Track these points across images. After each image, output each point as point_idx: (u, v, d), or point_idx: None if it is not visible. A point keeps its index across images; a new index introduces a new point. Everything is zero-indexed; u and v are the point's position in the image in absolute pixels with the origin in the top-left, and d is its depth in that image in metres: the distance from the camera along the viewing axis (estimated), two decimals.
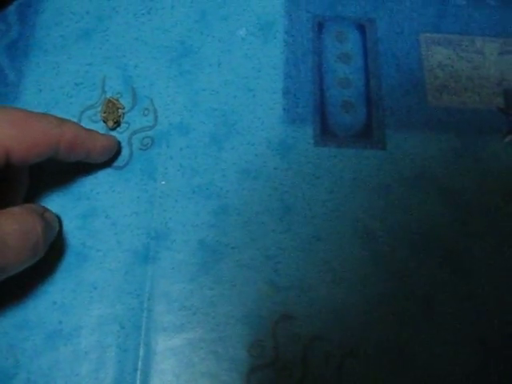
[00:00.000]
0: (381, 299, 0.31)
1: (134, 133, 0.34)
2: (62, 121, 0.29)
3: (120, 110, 0.34)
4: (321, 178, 0.33)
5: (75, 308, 0.30)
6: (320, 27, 0.37)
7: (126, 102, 0.35)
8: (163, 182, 0.33)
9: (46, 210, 0.30)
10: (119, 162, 0.33)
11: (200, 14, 0.37)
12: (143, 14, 0.37)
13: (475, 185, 0.34)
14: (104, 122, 0.33)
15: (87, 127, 0.31)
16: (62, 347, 0.29)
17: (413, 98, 0.36)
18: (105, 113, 0.33)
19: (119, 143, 0.34)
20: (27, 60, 0.36)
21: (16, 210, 0.27)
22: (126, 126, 0.34)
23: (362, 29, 0.37)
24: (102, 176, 0.33)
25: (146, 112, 0.34)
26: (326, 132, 0.34)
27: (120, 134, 0.34)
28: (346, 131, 0.34)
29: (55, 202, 0.32)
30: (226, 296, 0.31)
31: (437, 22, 0.38)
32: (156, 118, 0.34)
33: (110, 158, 0.32)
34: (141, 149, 0.34)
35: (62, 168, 0.32)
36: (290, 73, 0.36)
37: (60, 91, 0.35)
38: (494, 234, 0.33)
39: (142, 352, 0.29)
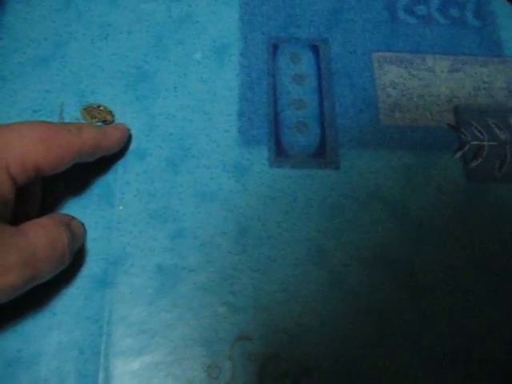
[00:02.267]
0: (335, 318, 0.32)
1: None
2: (79, 127, 0.30)
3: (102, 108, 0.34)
4: (275, 199, 0.34)
5: (35, 335, 0.31)
6: (275, 49, 0.38)
7: None
8: (120, 208, 0.33)
9: (73, 218, 0.31)
10: (76, 188, 0.34)
11: (156, 38, 0.38)
12: (100, 40, 0.38)
13: (427, 201, 0.35)
14: None
15: None
16: (21, 375, 0.30)
17: (366, 116, 0.37)
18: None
19: (128, 129, 0.35)
20: None
21: (44, 221, 0.28)
22: None
23: (315, 49, 0.38)
24: (61, 202, 0.33)
25: None
26: (280, 153, 0.35)
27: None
28: (300, 152, 0.35)
29: None
30: (183, 318, 0.31)
31: (389, 41, 0.39)
32: None
33: None
34: (98, 174, 0.34)
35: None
36: (245, 95, 0.36)
37: (18, 119, 0.35)
38: (445, 250, 0.33)
39: (101, 376, 0.30)
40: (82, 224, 0.33)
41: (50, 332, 0.31)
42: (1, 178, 0.26)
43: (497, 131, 0.37)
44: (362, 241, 0.33)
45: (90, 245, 0.33)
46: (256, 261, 0.33)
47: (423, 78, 0.38)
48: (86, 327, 0.31)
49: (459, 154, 0.36)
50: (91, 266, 0.32)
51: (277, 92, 0.37)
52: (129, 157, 0.35)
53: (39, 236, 0.27)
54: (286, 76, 0.37)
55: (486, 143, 0.37)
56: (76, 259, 0.32)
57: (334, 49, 0.38)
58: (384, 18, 0.40)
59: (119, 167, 0.34)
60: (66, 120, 0.36)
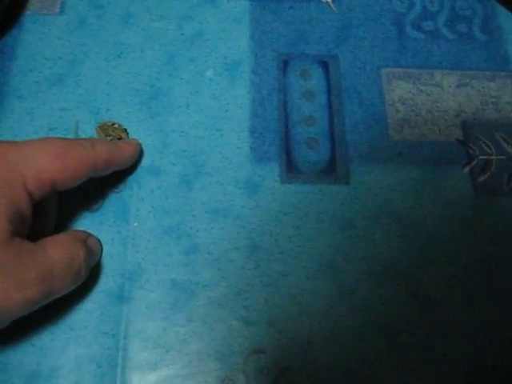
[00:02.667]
0: (346, 331, 0.32)
1: (107, 175, 0.35)
2: (93, 143, 0.31)
3: (116, 126, 0.36)
4: (287, 215, 0.35)
5: (53, 349, 0.32)
6: (285, 65, 0.39)
7: None
8: (135, 224, 0.34)
9: (89, 235, 0.32)
10: (93, 205, 0.35)
11: (168, 56, 0.39)
12: (114, 58, 0.39)
13: (436, 215, 0.35)
14: None
15: None
16: None
17: (375, 132, 0.37)
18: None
19: (140, 144, 0.36)
20: (2, 106, 0.37)
21: (61, 237, 0.29)
22: None
23: (325, 65, 0.39)
24: (78, 219, 0.34)
25: None
26: (291, 169, 0.36)
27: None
28: (310, 168, 0.36)
29: None
30: (197, 333, 0.32)
31: (397, 57, 0.40)
32: None
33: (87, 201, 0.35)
34: (113, 191, 0.35)
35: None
36: (257, 112, 0.37)
37: (34, 136, 0.36)
38: (454, 263, 0.34)
39: None
40: (99, 240, 0.33)
41: (68, 346, 0.32)
42: (19, 194, 0.27)
43: (504, 145, 0.38)
44: (372, 255, 0.34)
45: (106, 260, 0.33)
46: (268, 276, 0.33)
47: (431, 94, 0.39)
48: (103, 341, 0.32)
49: (467, 168, 0.37)
50: (107, 282, 0.33)
51: (287, 108, 0.37)
52: (143, 174, 0.36)
53: (57, 252, 0.28)
54: (296, 92, 0.38)
55: (494, 157, 0.37)
56: (92, 274, 0.33)
57: (343, 65, 0.39)
58: (392, 34, 0.40)
59: (134, 184, 0.35)
60: (82, 137, 0.36)
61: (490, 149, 0.37)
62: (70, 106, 0.37)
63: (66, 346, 0.32)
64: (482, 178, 0.36)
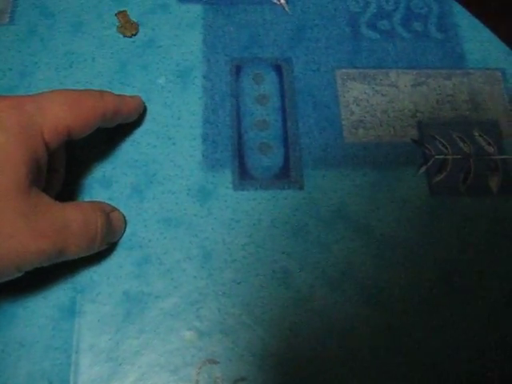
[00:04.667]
0: (302, 338, 0.32)
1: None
2: (102, 93, 0.32)
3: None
4: (240, 222, 0.34)
5: (4, 367, 0.31)
6: (238, 70, 0.38)
7: None
8: None
9: (115, 210, 0.34)
10: None
11: (120, 64, 0.38)
12: (65, 68, 0.38)
13: (391, 218, 0.35)
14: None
15: None
16: None
17: (329, 135, 0.37)
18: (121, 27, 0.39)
19: (143, 102, 0.37)
20: None
21: (84, 203, 0.32)
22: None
23: (278, 69, 0.38)
24: None
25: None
26: (244, 176, 0.35)
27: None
28: (264, 173, 0.35)
29: None
30: (150, 345, 0.32)
31: (352, 58, 0.39)
32: (78, 171, 0.35)
33: None
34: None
35: None
36: (209, 118, 0.37)
37: None
38: (411, 266, 0.34)
39: None
40: (124, 219, 0.35)
41: (19, 363, 0.31)
42: (37, 142, 0.28)
43: (461, 144, 0.37)
44: (327, 260, 0.34)
45: (58, 274, 0.33)
46: (221, 285, 0.33)
47: (387, 94, 0.38)
48: (55, 357, 0.32)
49: (423, 168, 0.36)
50: (59, 296, 0.33)
51: (240, 114, 0.37)
52: (95, 185, 0.35)
53: (74, 212, 0.29)
54: (249, 97, 0.38)
55: (450, 157, 0.37)
56: (43, 289, 0.32)
57: (297, 68, 0.39)
58: (347, 35, 0.40)
59: (85, 196, 0.35)
60: None
61: (446, 148, 0.37)
62: None
63: (17, 363, 0.31)
64: (437, 178, 0.36)
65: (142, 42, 0.39)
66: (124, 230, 0.34)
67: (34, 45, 0.39)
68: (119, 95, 0.34)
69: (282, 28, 0.40)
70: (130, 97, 0.35)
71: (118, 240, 0.34)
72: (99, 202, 0.33)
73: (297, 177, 0.35)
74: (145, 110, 0.37)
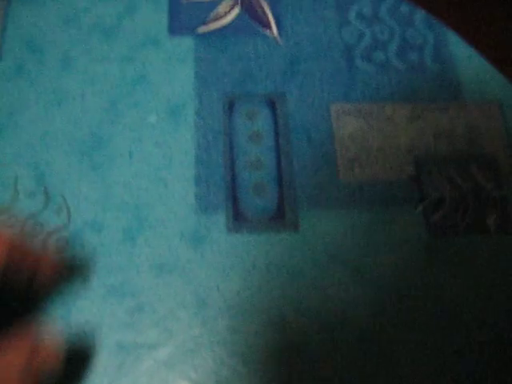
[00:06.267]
0: None
1: (49, 235, 0.34)
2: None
3: None
4: (234, 267, 0.34)
5: None
6: (230, 106, 0.37)
7: (38, 202, 0.35)
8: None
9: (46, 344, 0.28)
10: None
11: (110, 102, 0.37)
12: (53, 106, 0.37)
13: (388, 260, 0.34)
14: None
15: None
16: None
17: (324, 173, 0.36)
18: None
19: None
20: None
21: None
22: (40, 227, 0.34)
23: (272, 104, 0.38)
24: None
25: (58, 211, 0.35)
26: (238, 218, 0.34)
27: (35, 238, 0.34)
28: (258, 215, 0.35)
29: None
30: None
31: (347, 91, 0.39)
32: (69, 216, 0.35)
33: None
34: (56, 253, 0.34)
35: None
36: (202, 158, 0.36)
37: None
38: (407, 308, 0.33)
39: None
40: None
41: None
42: None
43: (458, 180, 0.37)
44: (322, 305, 0.33)
45: (50, 322, 0.32)
46: (216, 333, 0.32)
47: (382, 129, 0.38)
48: None
49: (420, 207, 0.36)
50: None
51: (233, 153, 0.36)
52: (86, 230, 0.34)
53: None
54: (242, 135, 0.37)
55: (447, 194, 0.36)
56: None
57: (290, 103, 0.38)
58: (342, 67, 0.39)
59: (76, 242, 0.34)
60: (21, 193, 0.35)
61: (443, 185, 0.36)
62: (9, 160, 0.36)
63: None
64: (435, 217, 0.35)
65: (132, 78, 0.38)
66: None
67: (22, 82, 0.38)
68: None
69: (275, 61, 0.39)
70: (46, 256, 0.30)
71: (109, 289, 0.32)
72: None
73: (292, 218, 0.35)
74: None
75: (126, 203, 0.35)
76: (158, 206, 0.35)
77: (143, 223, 0.34)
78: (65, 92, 0.38)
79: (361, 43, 0.40)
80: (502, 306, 0.33)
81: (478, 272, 0.34)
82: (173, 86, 0.38)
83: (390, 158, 0.37)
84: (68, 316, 0.32)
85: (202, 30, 0.39)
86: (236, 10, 0.40)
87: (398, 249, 0.34)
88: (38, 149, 0.36)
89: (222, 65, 0.39)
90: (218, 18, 0.40)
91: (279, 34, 0.40)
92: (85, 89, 0.38)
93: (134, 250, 0.34)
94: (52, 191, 0.35)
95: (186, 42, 0.39)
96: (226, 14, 0.40)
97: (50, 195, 0.35)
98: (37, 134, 0.37)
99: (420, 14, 0.42)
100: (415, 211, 0.36)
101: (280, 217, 0.35)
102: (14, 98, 0.38)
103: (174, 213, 0.35)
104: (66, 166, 0.36)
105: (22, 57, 0.39)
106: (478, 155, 0.37)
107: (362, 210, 0.35)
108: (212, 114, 0.37)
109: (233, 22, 0.40)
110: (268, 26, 0.40)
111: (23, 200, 0.35)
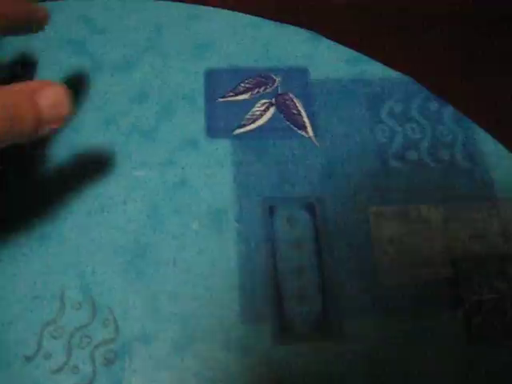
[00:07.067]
0: None
1: (96, 347, 0.34)
2: None
3: None
4: (282, 381, 0.34)
5: None
6: (271, 211, 0.38)
7: (85, 313, 0.35)
8: None
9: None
10: (83, 379, 0.34)
11: (152, 208, 0.38)
12: (97, 213, 0.38)
13: (426, 370, 0.35)
14: None
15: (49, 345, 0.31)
16: None
17: (365, 279, 0.37)
18: None
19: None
20: None
21: None
22: (88, 340, 0.34)
23: (311, 209, 0.38)
24: None
25: (106, 323, 0.35)
26: (283, 328, 0.35)
27: (82, 350, 0.34)
28: (302, 324, 0.35)
29: None
30: None
31: (383, 193, 0.39)
32: (117, 328, 0.35)
33: None
34: (104, 365, 0.34)
35: None
36: (245, 266, 0.37)
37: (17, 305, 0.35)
38: None
39: None
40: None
41: None
42: None
43: (496, 282, 0.37)
44: None
45: None
46: None
47: (419, 231, 0.38)
48: None
49: (460, 312, 0.36)
50: None
51: (276, 260, 0.37)
52: (134, 342, 0.35)
53: None
54: (283, 241, 0.38)
55: (486, 297, 0.37)
56: None
57: (329, 206, 0.39)
58: (377, 168, 0.40)
59: (125, 355, 0.34)
60: (67, 304, 0.36)
61: (481, 287, 0.37)
62: (55, 270, 0.36)
63: None
64: (474, 321, 0.36)
65: (173, 182, 0.39)
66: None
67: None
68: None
69: (311, 163, 0.40)
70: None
71: None
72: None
73: (335, 327, 0.35)
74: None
75: (174, 314, 0.36)
76: (205, 316, 0.36)
77: (191, 334, 0.35)
78: (106, 198, 0.38)
79: (393, 142, 0.41)
80: None
81: None
82: (213, 190, 0.39)
83: (427, 261, 0.38)
84: None
85: (239, 131, 0.40)
86: (271, 111, 0.41)
87: (437, 356, 0.35)
88: (84, 257, 0.37)
89: (260, 168, 0.40)
90: (254, 119, 0.41)
91: (314, 134, 0.41)
92: (126, 195, 0.39)
93: (182, 364, 0.35)
94: (99, 302, 0.36)
95: (224, 144, 0.41)
96: (261, 115, 0.41)
97: (96, 306, 0.36)
98: (82, 242, 0.37)
99: (448, 110, 0.43)
100: (455, 316, 0.36)
101: (324, 326, 0.35)
102: (56, 208, 0.38)
103: (220, 323, 0.35)
104: (111, 275, 0.36)
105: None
106: None
107: (401, 317, 0.36)
108: (252, 220, 0.38)
109: (269, 122, 0.41)
110: (303, 127, 0.41)
111: (70, 311, 0.35)
